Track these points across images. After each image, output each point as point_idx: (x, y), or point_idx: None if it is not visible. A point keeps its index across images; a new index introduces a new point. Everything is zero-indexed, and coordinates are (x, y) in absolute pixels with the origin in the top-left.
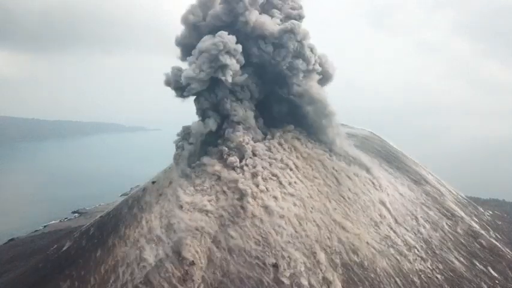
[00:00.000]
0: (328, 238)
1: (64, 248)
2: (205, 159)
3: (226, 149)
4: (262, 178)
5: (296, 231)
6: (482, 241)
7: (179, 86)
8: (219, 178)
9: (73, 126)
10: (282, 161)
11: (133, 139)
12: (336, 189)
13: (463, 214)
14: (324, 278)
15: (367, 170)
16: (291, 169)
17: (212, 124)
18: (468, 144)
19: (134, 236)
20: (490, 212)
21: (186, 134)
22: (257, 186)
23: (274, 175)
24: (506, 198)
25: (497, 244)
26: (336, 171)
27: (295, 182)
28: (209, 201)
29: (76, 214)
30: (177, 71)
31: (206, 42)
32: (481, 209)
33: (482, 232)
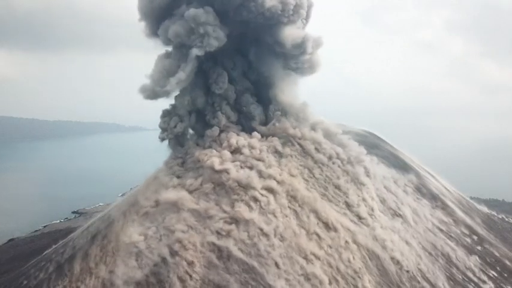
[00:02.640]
0: (306, 216)
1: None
2: (187, 143)
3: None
4: (231, 152)
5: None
6: (466, 227)
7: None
8: (199, 160)
9: (73, 126)
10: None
11: (133, 139)
12: (307, 165)
13: (448, 201)
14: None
15: (343, 147)
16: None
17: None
18: (468, 144)
19: (129, 211)
20: (486, 210)
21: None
22: (224, 162)
23: (241, 148)
24: (506, 198)
25: (481, 231)
26: (309, 142)
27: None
28: (195, 178)
29: (76, 214)
30: (161, 76)
31: (193, 52)
32: (466, 198)
33: (466, 219)
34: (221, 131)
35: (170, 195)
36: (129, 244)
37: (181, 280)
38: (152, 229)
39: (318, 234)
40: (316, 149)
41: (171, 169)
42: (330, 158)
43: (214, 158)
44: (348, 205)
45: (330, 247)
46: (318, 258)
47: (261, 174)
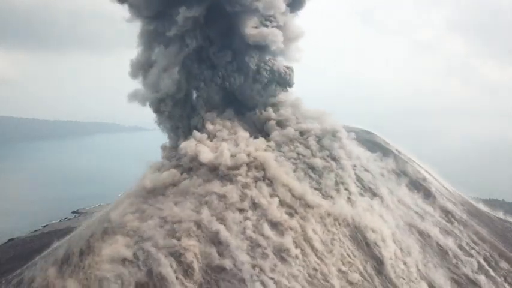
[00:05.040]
0: (278, 188)
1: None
2: (179, 130)
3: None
4: (209, 135)
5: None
6: (448, 212)
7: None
8: (181, 146)
9: (73, 126)
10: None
11: (133, 139)
12: (276, 140)
13: (431, 188)
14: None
15: (320, 122)
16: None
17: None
18: (467, 144)
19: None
20: (485, 208)
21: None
22: (198, 145)
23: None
24: (506, 198)
25: (461, 216)
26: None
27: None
28: (181, 162)
29: (76, 214)
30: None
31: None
32: (452, 187)
33: (449, 205)
34: (204, 116)
35: (159, 177)
36: (120, 223)
37: (160, 251)
38: (142, 208)
39: (291, 206)
40: (286, 124)
41: (165, 154)
42: (301, 133)
43: (191, 143)
44: (321, 183)
45: (303, 219)
46: (291, 229)
47: (231, 152)
